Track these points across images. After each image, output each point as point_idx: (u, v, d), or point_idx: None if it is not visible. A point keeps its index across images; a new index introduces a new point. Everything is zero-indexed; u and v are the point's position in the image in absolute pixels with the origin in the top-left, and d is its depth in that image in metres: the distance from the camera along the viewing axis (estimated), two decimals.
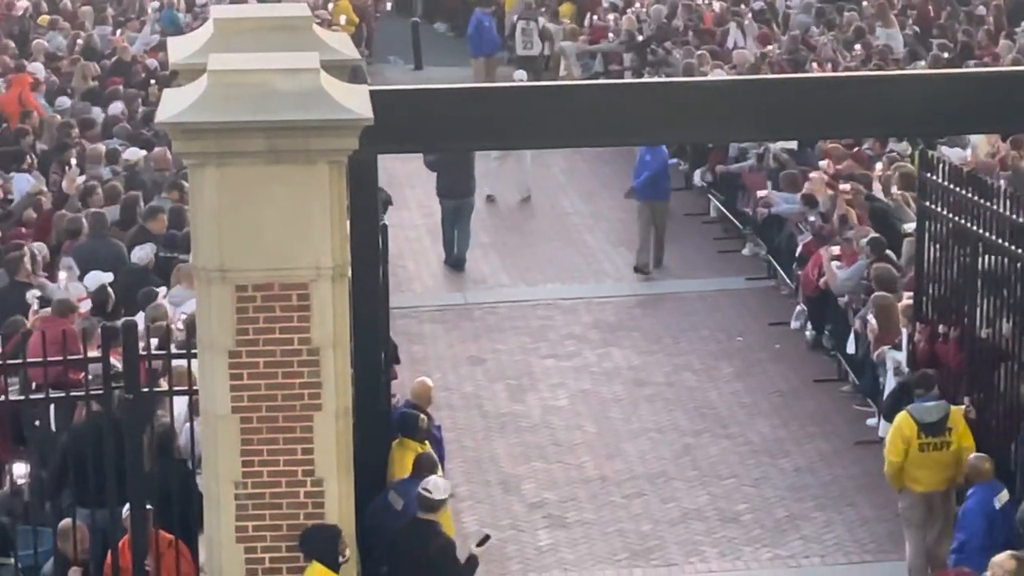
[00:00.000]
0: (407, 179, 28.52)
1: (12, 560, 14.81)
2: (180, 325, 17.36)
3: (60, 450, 15.26)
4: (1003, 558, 13.48)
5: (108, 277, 19.23)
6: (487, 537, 15.21)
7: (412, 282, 25.38)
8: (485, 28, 35.30)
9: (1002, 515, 15.08)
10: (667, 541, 17.86)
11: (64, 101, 26.75)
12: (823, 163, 23.89)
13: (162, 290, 18.94)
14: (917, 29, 31.75)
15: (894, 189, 22.43)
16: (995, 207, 16.66)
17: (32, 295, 18.82)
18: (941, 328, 17.81)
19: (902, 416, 16.28)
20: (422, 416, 16.04)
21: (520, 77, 30.65)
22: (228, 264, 13.38)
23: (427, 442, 16.00)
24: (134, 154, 23.83)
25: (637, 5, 35.24)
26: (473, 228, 26.24)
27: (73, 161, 23.43)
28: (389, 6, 42.85)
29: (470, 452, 17.44)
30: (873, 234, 20.80)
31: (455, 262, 25.95)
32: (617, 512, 18.50)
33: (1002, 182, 19.22)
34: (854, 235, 21.16)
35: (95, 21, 32.79)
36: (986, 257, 16.93)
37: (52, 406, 15.43)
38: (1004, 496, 15.18)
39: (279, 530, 13.58)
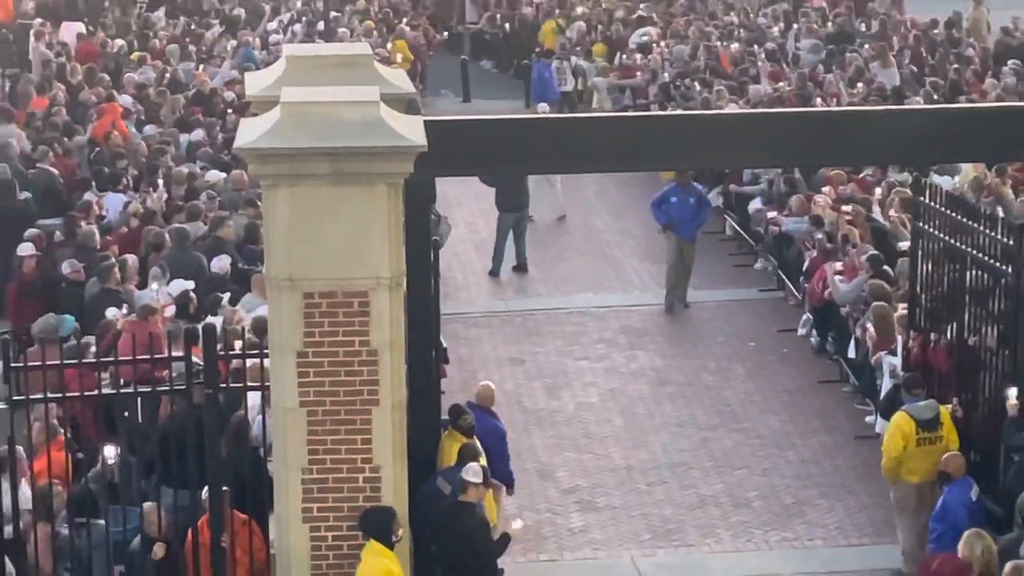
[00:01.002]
0: (455, 200, 28.49)
1: (102, 523, 14.85)
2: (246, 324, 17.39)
3: (155, 439, 15.27)
4: (969, 535, 13.68)
5: (190, 285, 19.27)
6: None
7: (460, 291, 25.34)
8: (546, 79, 34.37)
9: (977, 505, 15.06)
10: (686, 524, 17.80)
11: (151, 128, 26.79)
12: (825, 188, 23.82)
13: (225, 296, 18.91)
14: (913, 68, 31.63)
15: (891, 211, 22.36)
16: (982, 228, 16.60)
17: (115, 310, 18.78)
18: (932, 336, 17.73)
19: (900, 415, 16.20)
20: (469, 413, 16.02)
21: (543, 109, 30.62)
22: (297, 274, 13.38)
23: (474, 434, 15.96)
24: (215, 176, 23.86)
25: (662, 45, 35.19)
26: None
27: (160, 182, 23.46)
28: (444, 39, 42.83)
29: (511, 444, 17.43)
30: (872, 251, 20.72)
31: (519, 266, 25.95)
32: (641, 498, 18.43)
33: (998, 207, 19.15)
34: (855, 252, 21.10)
35: (180, 58, 32.87)
36: (973, 272, 16.86)
37: (139, 400, 15.45)
38: (976, 489, 15.16)
39: (340, 511, 13.58)
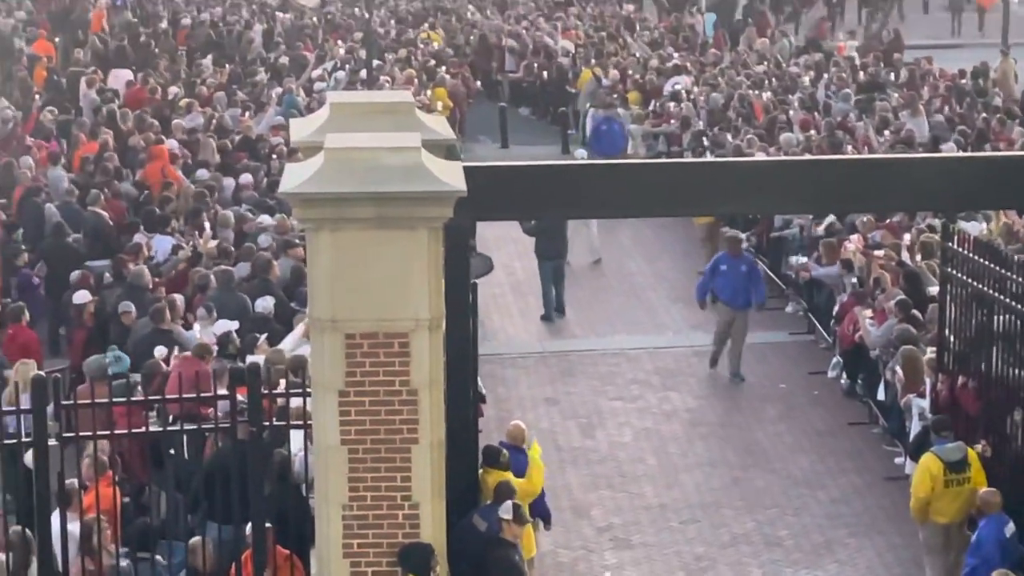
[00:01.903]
0: (494, 243, 28.45)
1: (153, 556, 14.88)
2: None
3: (201, 475, 15.29)
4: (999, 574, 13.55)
5: (234, 325, 19.30)
6: None
7: (497, 333, 25.32)
8: (603, 132, 33.13)
9: (1011, 543, 14.96)
10: (718, 562, 17.72)
11: (203, 173, 26.87)
12: (854, 236, 23.74)
13: (262, 336, 18.93)
14: (941, 117, 31.56)
15: (918, 257, 22.30)
16: (1009, 273, 16.54)
17: (163, 349, 18.83)
18: (960, 379, 17.66)
19: (928, 456, 16.14)
20: (504, 451, 16.00)
21: (581, 155, 30.63)
22: (339, 315, 13.41)
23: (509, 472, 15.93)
24: (262, 219, 23.89)
25: (695, 92, 35.20)
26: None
27: (207, 224, 23.54)
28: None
29: (547, 481, 17.39)
30: (901, 296, 20.65)
31: (557, 308, 25.87)
32: (675, 536, 18.37)
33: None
34: (884, 297, 21.03)
35: (227, 104, 33.01)
36: (1001, 317, 16.79)
37: (186, 437, 15.48)
38: (1012, 526, 15.06)
39: (380, 547, 13.57)
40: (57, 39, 41.72)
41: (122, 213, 24.79)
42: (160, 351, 18.49)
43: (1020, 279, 16.32)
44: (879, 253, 22.47)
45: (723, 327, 23.22)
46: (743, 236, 24.49)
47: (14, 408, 15.04)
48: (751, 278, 23.12)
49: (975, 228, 22.47)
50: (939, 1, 55.42)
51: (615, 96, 35.68)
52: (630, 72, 38.14)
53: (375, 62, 36.97)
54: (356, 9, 46.59)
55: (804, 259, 24.70)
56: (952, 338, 18.04)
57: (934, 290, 20.14)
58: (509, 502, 14.80)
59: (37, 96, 34.27)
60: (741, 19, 48.63)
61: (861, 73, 36.94)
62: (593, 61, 39.21)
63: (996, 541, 14.96)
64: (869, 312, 21.15)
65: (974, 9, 53.99)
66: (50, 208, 24.50)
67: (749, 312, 23.10)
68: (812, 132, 29.99)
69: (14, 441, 14.84)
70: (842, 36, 45.24)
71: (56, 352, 22.22)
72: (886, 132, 29.63)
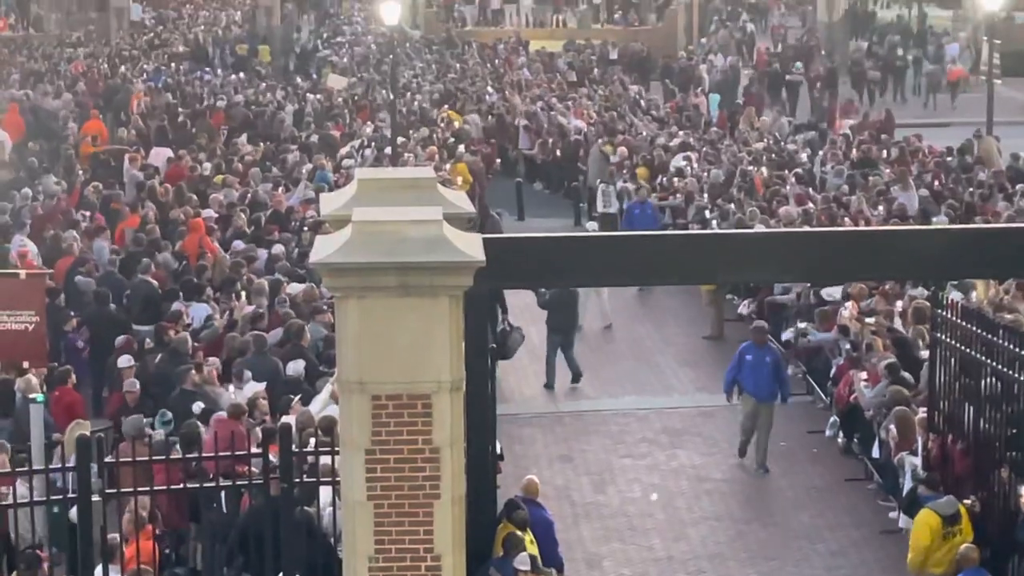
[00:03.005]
0: (511, 309, 28.49)
1: None
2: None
3: (237, 530, 15.29)
4: None
5: (261, 387, 19.28)
6: None
7: (514, 393, 25.30)
8: (636, 216, 31.46)
9: None
10: None
11: (238, 244, 26.95)
12: (849, 303, 23.74)
13: (296, 398, 18.95)
14: (927, 192, 31.58)
15: (911, 322, 22.29)
16: (995, 339, 16.53)
17: (198, 405, 18.85)
18: (950, 438, 17.62)
19: (926, 512, 16.10)
20: (522, 506, 15.96)
21: (592, 228, 30.63)
22: (366, 377, 13.41)
23: (527, 527, 15.90)
24: (294, 288, 23.94)
25: (698, 167, 35.30)
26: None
27: (242, 293, 23.58)
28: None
29: (560, 534, 17.36)
30: (890, 360, 20.63)
31: (572, 375, 25.51)
32: None
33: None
34: (878, 360, 21.02)
35: (261, 180, 33.14)
36: (988, 380, 16.77)
37: (223, 493, 15.48)
38: None
39: None
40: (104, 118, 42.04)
41: (163, 281, 24.87)
42: (198, 407, 18.52)
43: (1006, 344, 16.32)
44: (871, 320, 22.47)
45: (748, 419, 21.80)
46: (766, 326, 23.15)
47: (59, 466, 15.10)
48: (776, 370, 21.73)
49: (962, 296, 22.49)
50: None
51: (624, 171, 35.80)
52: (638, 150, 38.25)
53: (399, 139, 37.14)
54: (382, 91, 46.80)
55: (803, 325, 24.68)
56: (942, 399, 18.02)
57: (924, 354, 20.13)
58: (525, 554, 14.77)
59: (81, 172, 34.46)
60: (742, 100, 48.81)
61: (854, 150, 37.04)
62: (602, 140, 39.32)
63: None
64: (864, 375, 21.13)
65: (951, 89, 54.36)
66: (84, 280, 24.58)
67: (774, 406, 21.74)
68: (809, 205, 30.03)
69: (60, 498, 14.88)
70: (838, 115, 45.37)
71: (99, 413, 22.23)
72: (880, 206, 29.65)
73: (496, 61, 56.87)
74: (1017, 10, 60.09)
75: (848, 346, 22.40)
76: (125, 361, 20.48)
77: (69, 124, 40.94)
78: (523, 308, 27.30)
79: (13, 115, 41.57)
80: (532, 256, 15.19)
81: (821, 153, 36.69)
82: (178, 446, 16.90)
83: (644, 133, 40.94)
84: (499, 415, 17.06)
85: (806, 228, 25.93)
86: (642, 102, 47.97)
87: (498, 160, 41.70)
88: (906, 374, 20.31)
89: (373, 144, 37.90)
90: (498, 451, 17.32)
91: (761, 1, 78.38)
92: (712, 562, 18.91)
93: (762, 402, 21.59)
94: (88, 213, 29.24)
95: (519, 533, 15.57)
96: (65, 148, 37.40)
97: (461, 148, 37.99)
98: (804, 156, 36.66)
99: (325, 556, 14.91)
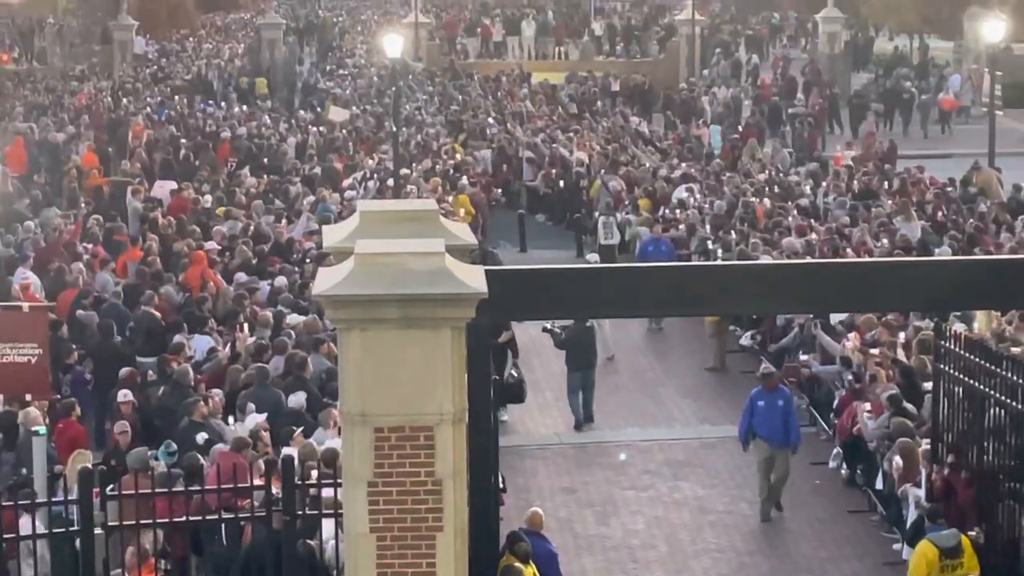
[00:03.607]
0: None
1: None
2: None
3: (239, 563, 15.25)
4: None
5: (262, 418, 19.27)
6: None
7: (517, 425, 25.27)
8: (650, 253, 30.40)
9: None
10: None
11: (241, 276, 26.96)
12: (852, 334, 23.72)
13: (298, 430, 18.93)
14: (928, 223, 31.60)
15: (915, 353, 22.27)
16: (999, 370, 16.51)
17: (201, 436, 18.84)
18: (954, 469, 17.58)
19: (924, 543, 16.05)
20: (526, 540, 15.94)
21: (593, 260, 30.64)
22: (368, 409, 13.40)
23: (529, 559, 15.86)
24: (295, 319, 23.94)
25: (699, 197, 35.31)
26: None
27: (245, 325, 23.57)
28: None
29: (564, 567, 17.32)
30: (892, 391, 20.61)
31: (585, 416, 24.90)
32: None
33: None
34: (881, 391, 21.00)
35: (263, 212, 33.17)
36: (991, 411, 16.75)
37: (224, 526, 15.45)
38: None
39: None
40: (106, 151, 42.14)
41: (166, 313, 24.87)
42: (201, 438, 18.51)
43: (1009, 375, 16.30)
44: (875, 351, 22.46)
45: (763, 465, 21.06)
46: (775, 371, 22.27)
47: (62, 499, 15.07)
48: (787, 413, 21.11)
49: (965, 327, 22.48)
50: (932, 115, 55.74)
51: (625, 203, 35.83)
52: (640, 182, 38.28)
53: (403, 171, 37.18)
54: (385, 123, 46.89)
55: (805, 357, 24.67)
56: (945, 431, 17.98)
57: (927, 385, 20.11)
58: None
59: (84, 205, 34.49)
60: (741, 132, 48.88)
61: (855, 181, 37.07)
62: (603, 172, 39.38)
63: None
64: (867, 406, 21.10)
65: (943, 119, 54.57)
66: (85, 315, 24.58)
67: (789, 452, 21.11)
68: (812, 236, 30.04)
69: (63, 530, 14.85)
70: (839, 147, 45.42)
71: (102, 445, 22.19)
72: (882, 238, 29.65)
73: (499, 93, 56.98)
74: (1016, 41, 60.17)
75: (851, 377, 22.37)
76: (123, 396, 20.43)
77: (72, 157, 41.02)
78: (524, 339, 27.30)
79: (17, 148, 41.70)
80: (535, 288, 15.18)
81: (824, 184, 36.69)
82: (182, 479, 16.88)
83: (647, 164, 40.99)
84: (501, 447, 17.04)
85: (809, 259, 25.93)
86: (644, 133, 48.04)
87: (500, 191, 41.71)
88: (909, 405, 20.28)
89: (376, 176, 37.94)
90: (501, 483, 17.33)
91: (758, 32, 78.62)
92: None
93: (777, 448, 20.98)
94: (90, 245, 29.26)
95: (519, 565, 15.53)
96: (68, 181, 37.46)
97: (464, 180, 38.03)
98: (807, 187, 36.67)
99: None
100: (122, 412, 20.06)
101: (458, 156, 42.49)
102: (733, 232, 31.15)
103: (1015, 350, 19.55)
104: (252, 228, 31.04)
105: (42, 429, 18.16)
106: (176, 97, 54.52)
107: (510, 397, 23.92)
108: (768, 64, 67.61)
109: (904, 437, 19.23)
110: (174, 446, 18.31)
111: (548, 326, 25.03)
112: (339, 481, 14.17)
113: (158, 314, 24.42)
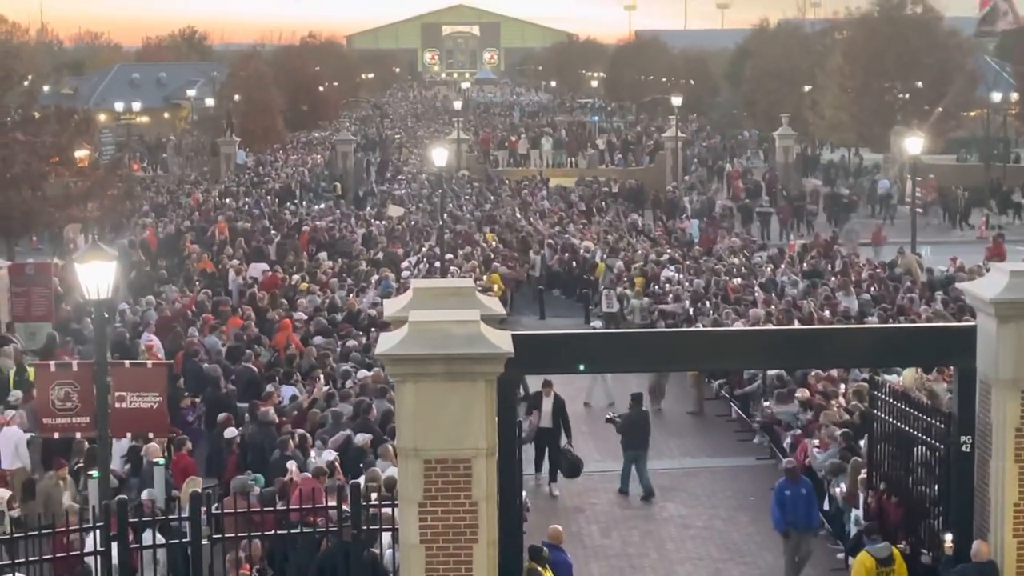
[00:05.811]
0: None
1: None
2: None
3: (315, 568, 15.14)
4: None
5: (334, 455, 19.17)
6: None
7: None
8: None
9: None
10: None
11: (319, 339, 26.98)
12: (803, 389, 23.55)
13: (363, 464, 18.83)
14: (867, 296, 31.49)
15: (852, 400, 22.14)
16: (921, 415, 16.41)
17: (292, 464, 18.78)
18: (886, 494, 17.42)
19: (863, 555, 15.88)
20: (545, 550, 15.81)
21: (597, 325, 30.46)
22: (419, 445, 13.39)
23: (548, 567, 15.72)
24: (363, 374, 23.93)
25: (682, 276, 35.26)
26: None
27: (321, 377, 23.57)
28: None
29: (576, 572, 17.16)
30: (845, 429, 20.46)
31: (647, 491, 22.60)
32: None
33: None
34: (827, 431, 20.85)
35: (337, 288, 33.24)
36: (916, 448, 16.62)
37: (304, 538, 15.36)
38: None
39: None
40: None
41: (261, 368, 24.87)
42: (292, 464, 18.46)
43: (928, 419, 16.20)
44: (835, 403, 22.26)
45: (790, 548, 18.78)
46: (796, 463, 19.46)
47: (176, 516, 15.02)
48: (809, 502, 18.81)
49: (893, 380, 22.34)
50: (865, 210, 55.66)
51: (624, 280, 35.76)
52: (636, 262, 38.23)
53: (448, 255, 37.25)
54: (433, 218, 47.03)
55: (766, 403, 24.53)
56: (879, 463, 17.84)
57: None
58: None
59: (197, 283, 34.63)
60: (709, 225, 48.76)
61: (805, 264, 36.99)
62: (605, 255, 39.36)
63: None
64: (816, 442, 20.95)
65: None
66: (208, 367, 24.61)
67: (812, 534, 18.92)
68: (772, 307, 29.96)
69: (177, 541, 14.79)
70: (793, 237, 45.34)
71: (210, 473, 22.14)
72: (827, 310, 29.54)
73: (523, 193, 57.18)
74: (929, 153, 60.32)
75: (808, 416, 22.20)
76: (230, 433, 20.44)
77: (189, 244, 41.21)
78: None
79: (150, 235, 42.23)
80: (551, 348, 15.17)
81: (781, 267, 36.63)
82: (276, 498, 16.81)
83: (640, 251, 40.98)
84: (525, 474, 16.94)
85: (769, 326, 25.84)
86: (638, 225, 48.07)
87: (524, 269, 41.69)
88: (855, 443, 20.11)
89: (426, 259, 38.01)
90: (525, 504, 17.24)
91: (728, 146, 78.82)
92: None
93: (803, 532, 18.75)
94: (202, 314, 29.32)
95: (540, 569, 15.40)
96: (186, 264, 37.61)
97: (496, 262, 38.04)
98: (768, 269, 36.61)
99: None
100: (230, 447, 20.03)
101: (492, 243, 42.51)
102: (708, 303, 31.09)
103: (928, 397, 19.44)
104: (328, 301, 31.11)
105: (161, 460, 18.17)
106: (268, 197, 54.79)
107: (568, 471, 22.93)
108: (735, 171, 67.75)
109: (838, 473, 19.04)
110: (262, 479, 18.22)
111: (610, 416, 24.33)
112: (396, 502, 14.11)
113: (255, 368, 24.43)
